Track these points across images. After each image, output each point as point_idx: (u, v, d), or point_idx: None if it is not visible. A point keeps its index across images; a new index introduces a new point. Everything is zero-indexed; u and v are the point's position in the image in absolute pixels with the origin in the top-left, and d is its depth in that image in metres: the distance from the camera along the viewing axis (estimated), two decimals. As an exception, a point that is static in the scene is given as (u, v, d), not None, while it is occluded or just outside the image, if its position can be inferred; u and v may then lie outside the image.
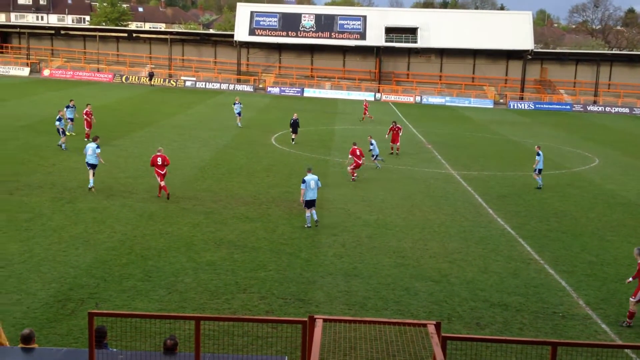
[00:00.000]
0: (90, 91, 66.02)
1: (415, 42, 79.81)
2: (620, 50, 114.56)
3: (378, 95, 78.09)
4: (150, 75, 79.32)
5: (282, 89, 79.05)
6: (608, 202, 28.18)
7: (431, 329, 9.43)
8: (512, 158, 39.10)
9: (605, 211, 26.56)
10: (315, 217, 22.12)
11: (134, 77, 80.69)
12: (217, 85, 79.65)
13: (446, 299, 16.32)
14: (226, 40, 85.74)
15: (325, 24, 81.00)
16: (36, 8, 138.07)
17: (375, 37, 79.82)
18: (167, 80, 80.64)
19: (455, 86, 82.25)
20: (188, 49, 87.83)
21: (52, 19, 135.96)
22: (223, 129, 44.43)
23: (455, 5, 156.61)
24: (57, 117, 34.36)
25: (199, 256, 18.54)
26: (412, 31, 79.92)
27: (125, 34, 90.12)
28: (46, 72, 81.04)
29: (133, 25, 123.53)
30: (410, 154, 38.19)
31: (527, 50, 78.89)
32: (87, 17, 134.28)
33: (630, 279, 15.62)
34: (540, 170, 30.01)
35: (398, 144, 37.62)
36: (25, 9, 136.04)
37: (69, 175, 27.89)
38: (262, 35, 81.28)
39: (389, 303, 15.90)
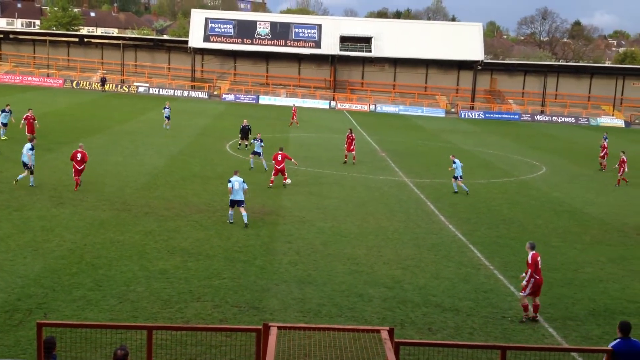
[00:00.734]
0: (40, 97, 64.65)
1: (370, 51, 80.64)
2: (566, 62, 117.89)
3: (333, 103, 78.54)
4: (102, 81, 78.14)
5: (237, 96, 78.83)
6: (554, 210, 28.93)
7: (384, 334, 9.58)
8: (464, 167, 39.68)
9: (552, 218, 27.26)
10: (245, 219, 22.66)
11: (85, 82, 79.36)
12: (171, 92, 78.94)
13: (399, 305, 16.51)
14: (180, 47, 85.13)
15: (280, 31, 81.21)
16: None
17: (330, 46, 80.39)
18: (119, 86, 79.55)
19: (408, 95, 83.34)
20: (141, 55, 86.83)
21: (1, 23, 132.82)
22: (177, 136, 44.05)
23: (408, 16, 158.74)
24: None
25: (152, 264, 18.33)
26: (366, 40, 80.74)
27: (77, 39, 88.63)
28: (-7, 77, 79.08)
29: (85, 30, 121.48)
30: (364, 162, 38.50)
31: (478, 61, 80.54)
32: (37, 22, 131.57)
33: (524, 274, 16.15)
34: (460, 177, 30.49)
35: (353, 152, 37.80)
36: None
37: (17, 183, 27.23)
38: (217, 42, 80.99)
39: (343, 310, 16.01)
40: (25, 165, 26.52)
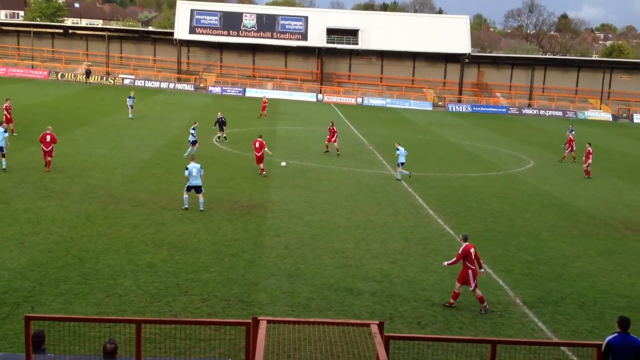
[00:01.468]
0: (24, 88, 63.98)
1: (357, 43, 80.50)
2: (554, 55, 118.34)
3: (320, 96, 78.38)
4: (87, 73, 77.45)
5: (223, 88, 78.45)
6: (542, 203, 29.03)
7: (374, 328, 9.52)
8: (451, 160, 39.85)
9: (540, 211, 27.35)
10: (202, 207, 23.45)
11: (70, 74, 78.60)
12: (156, 84, 78.43)
13: (388, 299, 16.48)
14: (166, 38, 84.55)
15: (267, 23, 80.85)
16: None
17: (317, 38, 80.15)
18: (104, 78, 78.90)
19: (395, 88, 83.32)
20: (126, 47, 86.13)
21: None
22: (163, 129, 43.77)
23: (395, 8, 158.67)
24: None
25: (139, 258, 18.18)
26: (353, 33, 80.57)
27: (61, 30, 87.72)
28: (-23, 68, 78.13)
29: (69, 22, 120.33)
30: (352, 155, 38.46)
31: (465, 54, 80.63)
32: (21, 13, 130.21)
33: (447, 263, 16.77)
34: (402, 164, 31.50)
35: (336, 144, 37.93)
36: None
37: (2, 175, 26.93)
38: (202, 34, 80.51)
39: (332, 304, 15.95)
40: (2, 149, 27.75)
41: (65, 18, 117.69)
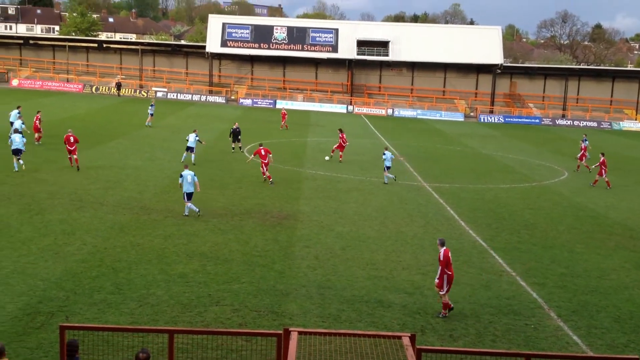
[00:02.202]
0: (59, 101, 65.21)
1: (387, 55, 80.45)
2: (587, 65, 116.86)
3: (350, 107, 78.43)
4: (118, 85, 78.67)
5: (254, 100, 78.98)
6: (577, 215, 28.57)
7: (406, 341, 9.45)
8: (483, 171, 39.50)
9: (575, 223, 26.92)
10: (186, 212, 24.08)
11: (104, 87, 79.94)
12: (188, 97, 79.29)
13: (419, 311, 16.35)
14: (198, 52, 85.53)
15: (297, 36, 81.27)
16: (5, 17, 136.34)
17: (347, 50, 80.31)
18: (138, 91, 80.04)
19: (426, 99, 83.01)
20: (159, 60, 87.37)
21: (21, 29, 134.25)
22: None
23: (425, 20, 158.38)
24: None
25: (171, 268, 18.33)
26: (383, 44, 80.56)
27: (96, 44, 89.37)
28: (15, 82, 79.86)
29: (103, 36, 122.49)
30: (382, 166, 38.27)
31: (497, 65, 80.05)
32: (57, 27, 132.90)
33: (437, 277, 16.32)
34: (388, 168, 32.83)
35: (341, 152, 39.00)
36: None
37: (38, 186, 27.44)
38: (234, 47, 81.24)
39: (362, 315, 15.88)
40: (20, 152, 30.33)
41: (100, 32, 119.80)
